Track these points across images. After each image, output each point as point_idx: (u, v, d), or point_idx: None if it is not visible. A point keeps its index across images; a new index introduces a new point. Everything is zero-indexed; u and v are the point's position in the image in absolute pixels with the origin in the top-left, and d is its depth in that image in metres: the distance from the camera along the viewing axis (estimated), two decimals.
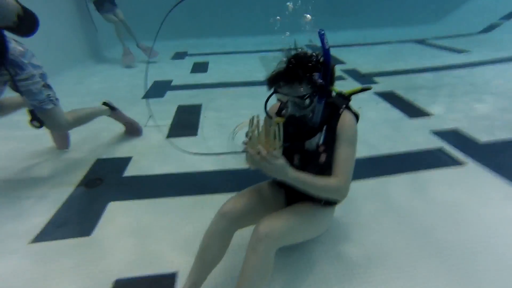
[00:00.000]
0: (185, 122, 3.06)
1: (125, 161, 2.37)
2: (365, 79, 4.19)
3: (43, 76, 1.92)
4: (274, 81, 1.13)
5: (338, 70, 4.66)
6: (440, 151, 2.37)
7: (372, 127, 2.79)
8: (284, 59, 1.13)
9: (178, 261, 1.48)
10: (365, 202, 1.85)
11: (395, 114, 3.07)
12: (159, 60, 5.65)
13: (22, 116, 2.12)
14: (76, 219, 1.79)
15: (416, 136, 2.60)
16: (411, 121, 2.89)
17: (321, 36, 1.09)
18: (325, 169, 1.18)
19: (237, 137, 1.25)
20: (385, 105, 3.29)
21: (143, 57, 5.62)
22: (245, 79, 4.33)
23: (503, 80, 3.86)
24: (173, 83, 4.36)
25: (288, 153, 1.19)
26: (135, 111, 3.10)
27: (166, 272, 1.43)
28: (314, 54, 1.14)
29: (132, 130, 2.79)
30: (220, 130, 2.84)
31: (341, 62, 5.16)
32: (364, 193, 1.93)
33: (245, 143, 1.03)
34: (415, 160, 2.28)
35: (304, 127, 1.17)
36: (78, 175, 2.19)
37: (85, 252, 1.56)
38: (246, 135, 1.04)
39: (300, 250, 1.52)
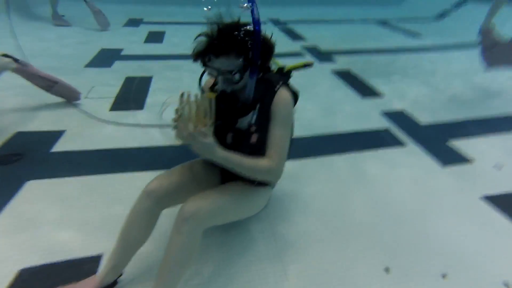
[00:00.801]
0: (132, 95, 2.84)
1: (56, 135, 2.14)
2: (324, 57, 4.16)
3: None
4: (201, 55, 1.03)
5: (298, 46, 4.59)
6: (386, 132, 2.42)
7: (323, 105, 2.78)
8: (213, 30, 1.02)
9: (104, 243, 1.37)
10: (308, 181, 1.84)
11: (349, 93, 3.09)
12: (110, 26, 5.16)
13: None
14: None
15: (366, 116, 2.64)
16: (363, 101, 2.93)
17: (251, 4, 1.00)
18: (258, 150, 1.11)
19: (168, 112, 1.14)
20: (339, 84, 3.30)
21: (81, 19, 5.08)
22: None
23: (447, 65, 4.02)
24: (123, 53, 4.01)
25: (221, 131, 1.14)
26: (78, 82, 2.81)
27: (88, 255, 1.32)
28: (245, 25, 1.04)
29: (66, 95, 2.46)
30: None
31: (302, 38, 5.07)
32: (308, 172, 1.92)
33: (174, 119, 0.96)
34: (363, 139, 2.32)
35: (236, 104, 1.10)
36: None
37: None
38: (176, 111, 0.96)
39: (236, 228, 1.48)
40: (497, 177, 1.94)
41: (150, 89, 2.97)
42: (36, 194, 1.64)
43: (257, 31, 1.00)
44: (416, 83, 3.39)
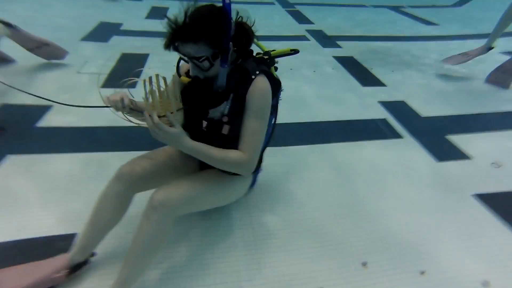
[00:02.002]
0: (126, 73, 2.77)
1: (43, 109, 2.11)
2: (329, 42, 4.01)
3: None
4: (169, 39, 0.95)
5: (303, 30, 4.43)
6: (383, 122, 2.34)
7: (321, 91, 2.69)
8: (180, 14, 0.94)
9: (79, 222, 1.34)
10: (296, 169, 1.80)
11: (350, 80, 2.98)
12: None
13: None
14: None
15: (364, 105, 2.55)
16: (363, 89, 2.82)
17: None
18: (230, 141, 1.06)
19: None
20: (341, 71, 3.18)
21: None
22: None
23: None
24: (122, 27, 3.92)
25: (196, 118, 1.09)
26: (72, 55, 2.76)
27: (62, 233, 1.31)
28: (215, 8, 0.95)
29: (50, 53, 2.42)
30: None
31: (308, 22, 4.89)
32: (297, 159, 1.87)
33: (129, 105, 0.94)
34: (358, 129, 2.24)
35: (208, 92, 1.04)
36: None
37: None
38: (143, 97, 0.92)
39: (216, 213, 1.45)
40: (493, 176, 1.86)
41: (145, 68, 2.90)
42: (16, 169, 1.62)
43: (227, 17, 0.92)
44: (421, 74, 3.25)
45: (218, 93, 1.04)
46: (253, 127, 1.04)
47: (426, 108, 2.57)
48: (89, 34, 3.58)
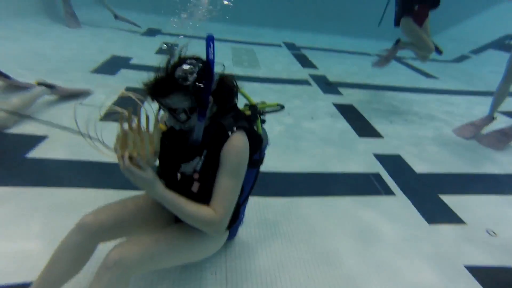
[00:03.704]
0: (125, 107, 2.82)
1: (37, 139, 2.12)
2: (330, 88, 4.09)
3: None
4: (151, 88, 0.96)
5: (306, 74, 4.55)
6: (377, 176, 2.30)
7: (317, 141, 2.69)
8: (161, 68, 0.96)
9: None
10: (279, 223, 1.73)
11: (346, 130, 2.99)
12: (126, 34, 5.32)
13: None
14: None
15: (359, 157, 2.52)
16: (359, 140, 2.82)
17: (208, 42, 0.93)
18: (201, 200, 1.02)
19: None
20: (339, 119, 3.20)
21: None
22: None
23: (459, 113, 3.86)
24: (132, 61, 4.08)
25: (172, 168, 1.06)
26: (79, 86, 2.87)
27: (20, 282, 1.23)
28: (199, 63, 0.97)
29: (77, 96, 2.74)
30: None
31: (312, 66, 5.04)
32: (285, 212, 1.81)
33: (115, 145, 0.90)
34: (350, 183, 2.19)
35: (183, 145, 1.02)
36: None
37: None
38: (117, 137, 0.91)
39: (186, 265, 1.37)
40: (487, 245, 1.77)
41: (145, 103, 2.96)
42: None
43: (209, 73, 0.94)
44: (419, 127, 3.25)
45: (192, 147, 1.02)
46: (226, 186, 1.00)
47: (421, 163, 2.53)
48: (100, 66, 3.72)
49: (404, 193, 2.13)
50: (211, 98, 0.99)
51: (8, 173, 1.80)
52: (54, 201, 1.65)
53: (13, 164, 1.88)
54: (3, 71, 2.52)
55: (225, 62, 3.93)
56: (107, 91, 3.05)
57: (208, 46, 0.93)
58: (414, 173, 2.40)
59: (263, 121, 1.29)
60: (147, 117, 0.94)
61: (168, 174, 1.08)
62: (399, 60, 6.34)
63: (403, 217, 1.91)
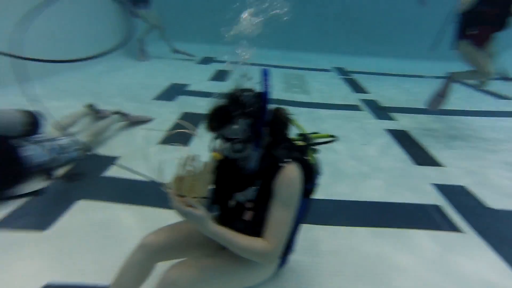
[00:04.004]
0: (183, 131, 3.05)
1: (112, 160, 2.40)
2: (382, 113, 3.97)
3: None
4: (208, 119, 1.04)
5: (357, 99, 4.48)
6: (436, 209, 2.13)
7: (369, 169, 2.61)
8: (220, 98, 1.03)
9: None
10: (329, 253, 1.70)
11: (400, 157, 2.85)
12: (183, 62, 5.84)
13: None
14: (40, 211, 1.82)
15: (415, 187, 2.38)
16: (415, 168, 2.66)
17: (264, 76, 0.98)
18: (252, 228, 1.06)
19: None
20: (392, 146, 3.08)
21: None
22: None
23: None
24: (188, 88, 4.43)
25: (225, 196, 1.12)
26: (142, 113, 3.20)
27: (99, 285, 1.38)
28: (255, 95, 1.03)
29: (141, 122, 3.09)
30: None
31: (363, 91, 4.95)
32: (333, 244, 1.77)
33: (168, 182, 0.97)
34: (404, 214, 2.07)
35: (237, 174, 1.08)
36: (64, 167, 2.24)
37: (30, 247, 1.57)
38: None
39: None
40: None
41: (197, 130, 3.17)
42: (81, 213, 1.83)
43: (264, 104, 0.98)
44: (488, 155, 2.96)
45: (245, 176, 1.06)
46: (280, 217, 1.03)
47: (491, 196, 2.29)
48: (160, 93, 4.11)
49: (473, 230, 1.93)
50: (266, 129, 1.04)
51: (88, 188, 2.06)
52: (125, 216, 1.84)
53: (94, 181, 2.15)
54: (93, 103, 2.95)
55: (276, 88, 4.07)
56: (165, 116, 3.34)
57: (264, 80, 0.98)
58: (485, 208, 2.18)
59: (316, 151, 1.31)
60: (204, 163, 1.00)
61: (222, 201, 1.14)
62: (461, 82, 5.92)
63: (474, 259, 1.71)
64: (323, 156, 2.73)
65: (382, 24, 7.70)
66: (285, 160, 1.04)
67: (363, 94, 4.79)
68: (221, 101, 1.02)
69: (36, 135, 2.16)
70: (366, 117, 3.80)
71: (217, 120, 1.02)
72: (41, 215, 1.79)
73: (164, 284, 1.00)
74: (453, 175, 2.58)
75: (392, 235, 1.86)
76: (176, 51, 6.12)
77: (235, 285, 1.16)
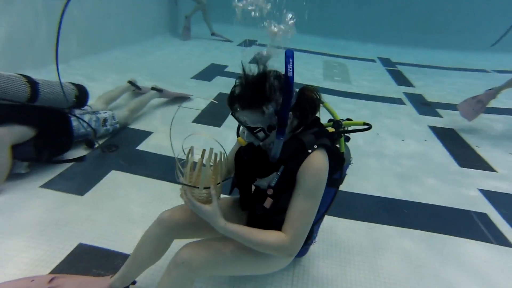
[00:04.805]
0: (217, 111, 3.06)
1: (145, 134, 2.48)
2: (428, 109, 3.67)
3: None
4: (229, 103, 0.98)
5: (400, 92, 4.20)
6: (482, 217, 1.93)
7: (405, 165, 2.44)
8: (242, 79, 0.95)
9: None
10: (355, 250, 1.62)
11: (443, 157, 2.63)
12: (224, 44, 5.82)
13: None
14: (79, 178, 1.94)
15: (457, 191, 2.18)
16: (460, 170, 2.44)
17: (286, 58, 0.87)
18: (271, 216, 1.01)
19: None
20: (435, 144, 2.84)
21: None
22: (298, 81, 4.10)
23: None
24: (227, 69, 4.43)
25: (247, 181, 1.08)
26: (181, 89, 3.29)
27: (124, 251, 1.45)
28: (278, 79, 0.93)
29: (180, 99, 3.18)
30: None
31: (409, 84, 4.61)
32: (361, 239, 1.69)
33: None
34: (442, 218, 1.92)
35: (261, 160, 1.02)
36: (102, 139, 2.36)
37: (70, 209, 1.69)
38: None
39: (249, 282, 1.37)
40: None
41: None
42: (115, 182, 1.93)
43: (288, 90, 0.89)
44: None
45: (269, 163, 0.99)
46: (301, 207, 0.95)
47: None
48: (199, 73, 4.16)
49: None
50: (290, 114, 0.94)
51: (122, 160, 2.15)
52: (152, 189, 1.90)
53: (128, 153, 2.24)
54: (135, 80, 3.08)
55: (315, 75, 3.95)
56: (202, 94, 3.37)
57: (287, 63, 0.87)
58: None
59: (347, 139, 1.21)
60: (216, 154, 1.00)
61: (243, 186, 1.10)
62: None
63: None
64: (356, 147, 2.60)
65: (437, 12, 7.04)
66: (313, 146, 0.96)
67: (408, 87, 4.46)
68: (243, 85, 0.94)
69: (83, 107, 2.29)
70: (409, 112, 3.54)
71: (239, 105, 0.95)
72: (80, 181, 1.91)
73: (176, 262, 1.00)
74: (505, 181, 2.32)
75: (432, 240, 1.73)
76: (214, 34, 6.12)
77: (247, 272, 1.13)
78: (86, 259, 1.41)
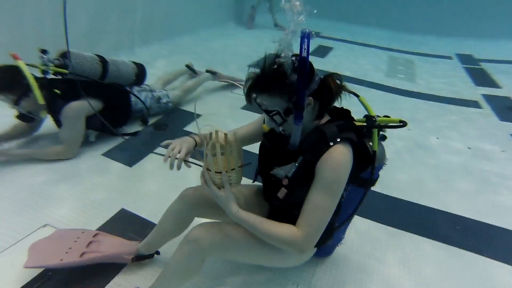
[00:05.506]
0: None
1: (194, 116, 2.61)
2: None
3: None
4: (248, 88, 0.95)
5: (478, 94, 3.66)
6: None
7: (465, 175, 2.13)
8: (260, 63, 0.92)
9: None
10: (379, 253, 1.49)
11: None
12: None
13: None
14: (131, 151, 2.14)
15: None
16: None
17: (302, 39, 0.83)
18: (285, 207, 0.98)
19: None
20: None
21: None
22: (357, 76, 3.89)
23: None
24: None
25: (267, 169, 1.04)
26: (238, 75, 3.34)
27: (149, 219, 1.57)
28: (296, 61, 0.87)
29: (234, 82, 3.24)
30: None
31: (494, 85, 3.97)
32: (386, 243, 1.55)
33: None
34: (505, 243, 1.65)
35: (280, 148, 0.98)
36: (155, 117, 2.56)
37: (119, 177, 1.88)
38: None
39: (267, 273, 1.36)
40: None
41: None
42: (159, 159, 2.05)
43: (302, 71, 0.84)
44: None
45: (288, 151, 0.96)
46: (317, 202, 0.90)
47: None
48: (255, 63, 4.18)
49: None
50: (310, 100, 0.90)
51: (170, 138, 2.28)
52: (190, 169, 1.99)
53: (176, 132, 2.38)
54: (194, 65, 3.19)
55: (375, 73, 3.66)
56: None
57: (301, 43, 0.83)
58: None
59: (383, 138, 1.09)
60: (226, 135, 0.98)
61: (264, 173, 1.08)
62: None
63: None
64: (409, 149, 2.34)
65: None
66: (335, 139, 0.90)
67: (491, 88, 3.86)
68: (260, 69, 0.91)
69: (141, 85, 2.49)
70: (485, 117, 3.07)
71: (255, 89, 0.92)
72: (132, 154, 2.10)
73: (187, 239, 1.02)
74: None
75: (473, 260, 1.51)
76: (277, 25, 6.11)
77: (261, 262, 1.12)
78: (125, 223, 1.56)
